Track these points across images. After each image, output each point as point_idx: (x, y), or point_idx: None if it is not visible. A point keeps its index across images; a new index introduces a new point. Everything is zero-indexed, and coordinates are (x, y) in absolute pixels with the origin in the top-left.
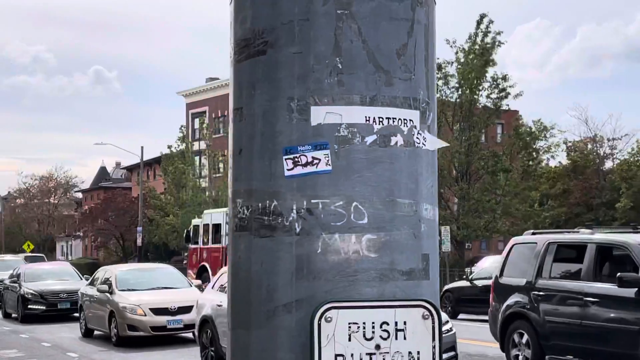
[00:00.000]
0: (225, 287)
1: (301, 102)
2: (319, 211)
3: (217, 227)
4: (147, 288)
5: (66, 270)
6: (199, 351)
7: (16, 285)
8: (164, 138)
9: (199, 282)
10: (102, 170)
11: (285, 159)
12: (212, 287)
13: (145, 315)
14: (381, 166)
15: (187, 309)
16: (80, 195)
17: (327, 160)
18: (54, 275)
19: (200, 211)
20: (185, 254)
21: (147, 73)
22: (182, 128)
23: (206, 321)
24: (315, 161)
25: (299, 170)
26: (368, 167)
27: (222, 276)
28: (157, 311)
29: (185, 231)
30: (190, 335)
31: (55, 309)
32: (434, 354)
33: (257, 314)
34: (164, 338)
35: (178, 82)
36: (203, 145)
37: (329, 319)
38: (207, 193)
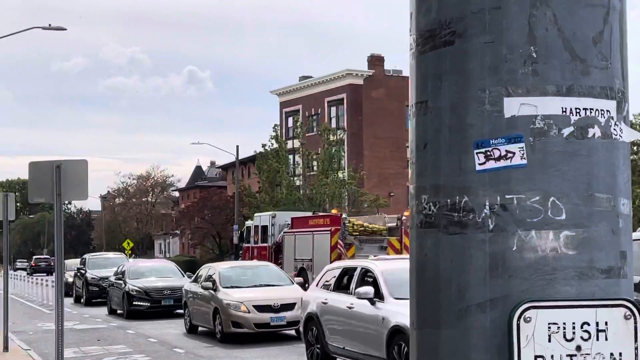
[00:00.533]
0: (329, 285)
1: (493, 94)
2: (513, 207)
3: (264, 229)
4: (250, 285)
5: (169, 267)
6: (305, 348)
7: (121, 282)
8: (258, 137)
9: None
10: (198, 170)
11: (477, 153)
12: (317, 285)
13: (249, 312)
14: (578, 159)
15: (289, 306)
16: (176, 194)
17: (522, 154)
18: (158, 273)
19: (295, 209)
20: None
21: (240, 72)
22: (276, 127)
23: (311, 318)
24: (509, 155)
25: (491, 164)
26: (565, 161)
27: (327, 273)
28: (261, 308)
29: (239, 232)
30: (292, 332)
31: (160, 306)
32: (636, 355)
33: (447, 313)
34: (267, 335)
35: (271, 81)
36: (297, 143)
37: (528, 319)
38: (301, 191)
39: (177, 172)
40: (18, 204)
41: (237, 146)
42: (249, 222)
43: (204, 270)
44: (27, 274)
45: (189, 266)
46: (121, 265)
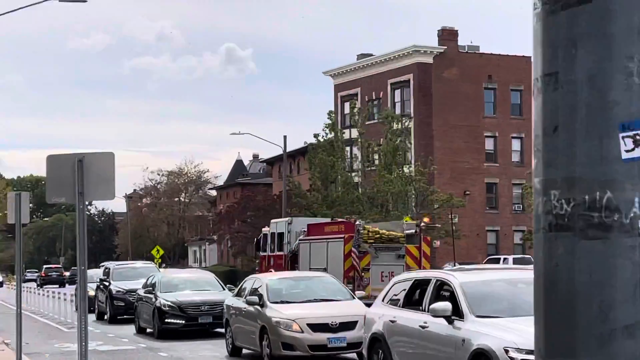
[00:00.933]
0: (398, 300)
1: None
2: None
3: (280, 236)
4: (304, 300)
5: (207, 279)
6: None
7: (151, 296)
8: (309, 126)
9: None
10: (239, 164)
11: (623, 138)
12: (383, 300)
13: (303, 331)
14: None
15: (350, 325)
16: (214, 193)
17: None
18: (193, 285)
19: (353, 210)
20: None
21: (287, 50)
22: (331, 114)
23: (377, 340)
24: None
25: None
26: None
27: (395, 286)
28: (316, 327)
29: (255, 240)
30: (353, 355)
31: (196, 324)
32: None
33: (585, 338)
34: (323, 359)
35: (324, 60)
36: (355, 133)
37: None
38: (359, 189)
39: (214, 168)
40: (31, 205)
41: (285, 137)
42: (265, 229)
43: (249, 283)
44: (37, 285)
45: (229, 277)
46: (151, 277)
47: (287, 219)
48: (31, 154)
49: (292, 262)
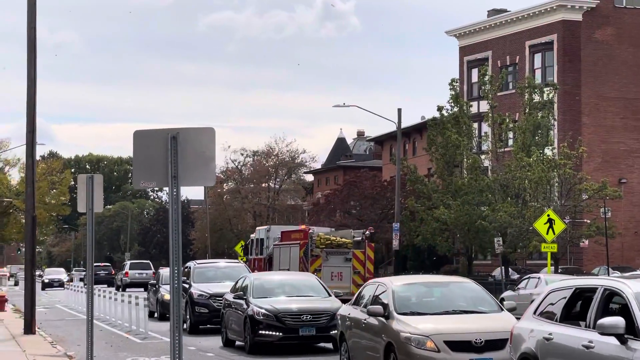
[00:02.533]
0: (554, 313)
1: None
2: None
3: (261, 242)
4: (439, 312)
5: (309, 282)
6: None
7: (242, 302)
8: (427, 97)
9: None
10: (340, 143)
11: None
12: (535, 312)
13: (439, 350)
14: None
15: (498, 344)
16: (310, 177)
17: None
18: (293, 290)
19: (482, 201)
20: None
21: (400, 4)
22: (454, 83)
23: None
24: None
25: None
26: None
27: (550, 296)
28: (456, 345)
29: (244, 244)
30: None
31: (296, 336)
32: None
33: None
34: None
35: (447, 17)
36: (484, 106)
37: None
38: (490, 175)
39: (309, 147)
40: None
41: (399, 110)
42: (252, 235)
43: (370, 289)
44: (85, 284)
45: None
46: (241, 279)
47: (266, 227)
48: (88, 129)
49: (269, 264)
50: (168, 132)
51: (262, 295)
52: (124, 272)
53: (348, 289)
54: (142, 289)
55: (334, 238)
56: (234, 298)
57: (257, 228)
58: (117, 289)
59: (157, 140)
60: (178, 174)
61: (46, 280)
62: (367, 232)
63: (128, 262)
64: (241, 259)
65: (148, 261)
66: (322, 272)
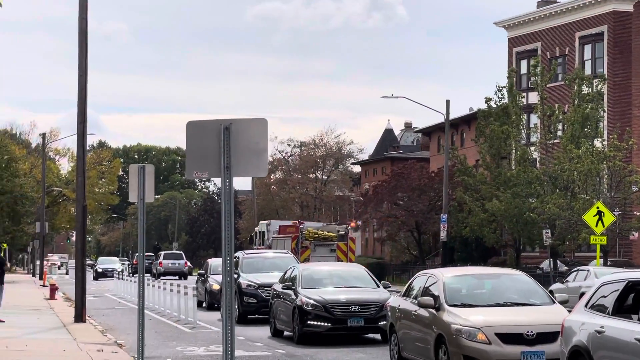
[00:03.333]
0: (605, 306)
1: None
2: None
3: (263, 234)
4: (490, 304)
5: (357, 273)
6: None
7: (290, 292)
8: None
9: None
10: (388, 135)
11: None
12: (586, 306)
13: (490, 343)
14: None
15: (550, 337)
16: (357, 169)
17: None
18: (341, 280)
19: (530, 192)
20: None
21: None
22: (512, 72)
23: (579, 353)
24: None
25: None
26: None
27: (602, 288)
28: (507, 338)
29: (249, 236)
30: None
31: (344, 327)
32: None
33: None
34: None
35: (496, 7)
36: (533, 97)
37: None
38: (539, 166)
39: (356, 138)
40: None
41: (447, 101)
42: (256, 228)
43: (420, 280)
44: (129, 274)
45: (376, 271)
46: (290, 269)
47: (267, 221)
48: (137, 120)
49: None
50: (221, 122)
51: (310, 286)
52: (158, 262)
53: None
54: (177, 277)
55: (321, 232)
56: (282, 288)
57: (260, 222)
58: (153, 277)
59: (210, 131)
60: (230, 165)
61: (100, 270)
62: (349, 227)
63: (162, 253)
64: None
65: (181, 252)
66: (310, 260)
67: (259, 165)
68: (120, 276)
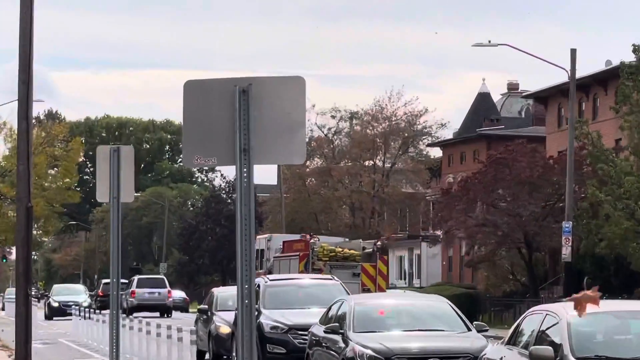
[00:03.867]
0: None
1: None
2: None
3: (262, 253)
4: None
5: (438, 309)
6: None
7: (337, 338)
8: (615, 33)
9: None
10: (482, 101)
11: None
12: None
13: None
14: None
15: None
16: (437, 152)
17: None
18: (413, 320)
19: None
20: None
21: None
22: None
23: None
24: None
25: None
26: None
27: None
28: None
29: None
30: None
31: None
32: None
33: None
34: None
35: None
36: None
37: None
38: None
39: (437, 106)
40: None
41: (573, 51)
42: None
43: (532, 321)
44: (92, 308)
45: (465, 306)
46: (337, 303)
47: (266, 235)
48: (107, 78)
49: None
50: (235, 82)
51: (367, 329)
52: (129, 290)
53: None
54: (157, 314)
55: (340, 249)
56: (325, 332)
57: (258, 237)
58: (123, 313)
59: (218, 96)
60: (250, 146)
61: (55, 304)
62: (379, 243)
63: (136, 278)
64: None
65: (162, 276)
66: None
67: (293, 147)
68: (84, 313)
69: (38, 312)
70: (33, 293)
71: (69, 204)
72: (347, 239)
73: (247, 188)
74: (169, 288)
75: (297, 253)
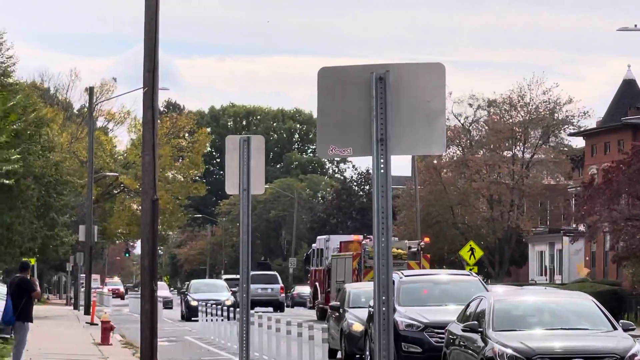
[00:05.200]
0: None
1: None
2: None
3: (321, 252)
4: None
5: (582, 307)
6: None
7: (476, 337)
8: None
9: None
10: (628, 89)
11: None
12: None
13: None
14: None
15: None
16: (579, 142)
17: None
18: (555, 318)
19: None
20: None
21: None
22: None
23: None
24: None
25: None
26: None
27: None
28: None
29: (305, 254)
30: None
31: None
32: None
33: None
34: None
35: None
36: None
37: None
38: None
39: (578, 95)
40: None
41: None
42: (314, 245)
43: None
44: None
45: (610, 303)
46: (475, 301)
47: (325, 237)
48: (232, 65)
49: (327, 276)
50: (372, 69)
51: (507, 327)
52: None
53: None
54: (270, 309)
55: None
56: (463, 330)
57: (318, 237)
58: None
59: (354, 83)
60: (387, 136)
61: (194, 303)
62: (422, 243)
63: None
64: (469, 269)
65: (274, 272)
66: None
67: (432, 136)
68: (227, 313)
69: (176, 311)
70: (169, 290)
71: (194, 197)
72: (397, 239)
73: (383, 179)
74: (281, 284)
75: (352, 252)
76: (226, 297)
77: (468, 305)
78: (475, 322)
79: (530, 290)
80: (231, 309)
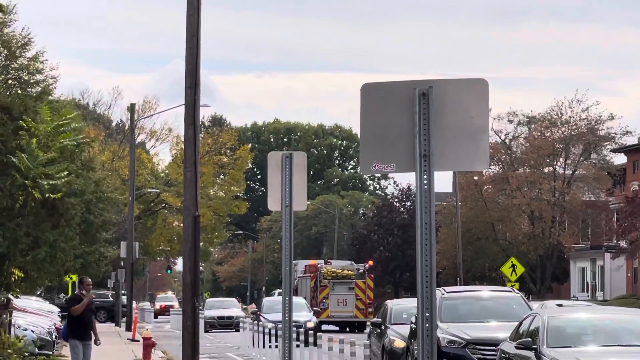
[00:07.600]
0: None
1: None
2: None
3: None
4: None
5: (636, 324)
6: None
7: (530, 354)
8: None
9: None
10: None
11: None
12: None
13: None
14: None
15: None
16: (621, 159)
17: None
18: (610, 336)
19: None
20: None
21: None
22: None
23: None
24: None
25: None
26: None
27: None
28: None
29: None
30: None
31: None
32: None
33: None
34: None
35: None
36: None
37: None
38: None
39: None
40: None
41: None
42: None
43: None
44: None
45: None
46: (528, 318)
47: (295, 261)
48: (272, 82)
49: (296, 293)
50: (415, 85)
51: (562, 344)
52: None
53: (352, 312)
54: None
55: (339, 270)
56: (516, 348)
57: (294, 261)
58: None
59: (397, 99)
60: (430, 152)
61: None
62: (367, 265)
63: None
64: (510, 285)
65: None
66: (330, 299)
67: (475, 152)
68: (251, 325)
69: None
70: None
71: (235, 215)
72: (352, 262)
73: (427, 195)
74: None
75: (309, 274)
76: (307, 317)
77: (521, 324)
78: (529, 339)
79: (585, 308)
80: (310, 332)
